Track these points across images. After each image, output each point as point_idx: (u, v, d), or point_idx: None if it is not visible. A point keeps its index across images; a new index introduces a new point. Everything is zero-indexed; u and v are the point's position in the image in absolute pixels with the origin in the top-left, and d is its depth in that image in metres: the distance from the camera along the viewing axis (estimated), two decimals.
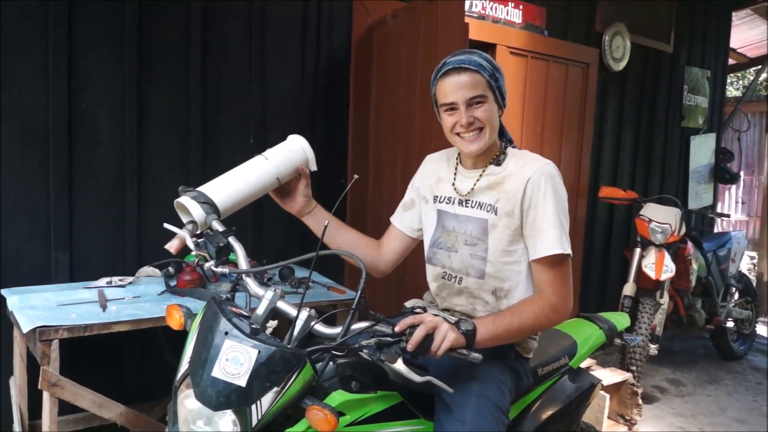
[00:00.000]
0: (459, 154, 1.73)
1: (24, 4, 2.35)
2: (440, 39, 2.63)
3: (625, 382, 3.34)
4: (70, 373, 1.96)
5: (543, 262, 1.54)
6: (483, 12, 3.66)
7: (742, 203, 7.38)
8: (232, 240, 1.50)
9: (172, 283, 2.37)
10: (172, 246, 1.56)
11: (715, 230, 6.05)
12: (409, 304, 1.86)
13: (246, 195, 1.63)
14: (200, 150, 2.79)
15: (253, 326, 1.29)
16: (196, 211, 1.51)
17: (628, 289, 3.83)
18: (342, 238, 1.80)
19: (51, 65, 2.41)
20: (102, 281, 2.38)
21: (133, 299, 2.19)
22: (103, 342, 2.13)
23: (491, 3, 3.69)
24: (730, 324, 4.70)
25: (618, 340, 2.13)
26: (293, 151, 1.72)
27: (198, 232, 1.54)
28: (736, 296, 4.77)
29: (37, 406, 1.96)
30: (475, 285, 1.64)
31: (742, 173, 6.58)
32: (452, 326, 1.38)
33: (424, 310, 1.68)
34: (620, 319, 2.16)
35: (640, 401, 3.32)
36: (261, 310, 1.37)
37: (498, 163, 1.64)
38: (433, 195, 1.75)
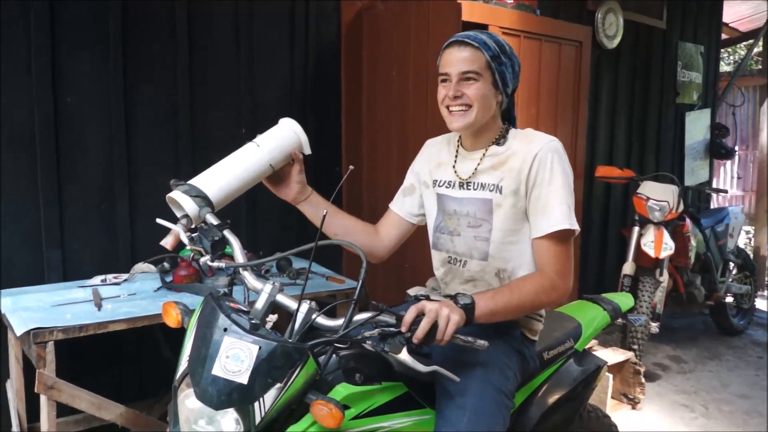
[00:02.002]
0: (460, 136, 1.69)
1: (4, 6, 2.28)
2: (433, 21, 2.58)
3: (627, 362, 3.33)
4: (67, 373, 1.93)
5: (548, 238, 1.51)
6: None
7: (738, 178, 7.36)
8: (227, 233, 1.46)
9: (168, 279, 2.33)
10: (167, 242, 1.52)
11: (712, 206, 6.04)
12: (412, 291, 1.83)
13: (239, 184, 1.58)
14: (190, 145, 2.74)
15: (253, 321, 1.26)
16: (189, 206, 1.47)
17: (628, 268, 3.81)
18: (338, 224, 1.76)
19: (34, 67, 2.36)
20: (96, 279, 2.34)
21: (128, 297, 2.15)
22: (99, 341, 2.09)
23: None
24: (729, 299, 4.69)
25: (621, 321, 2.10)
26: (285, 137, 1.66)
27: (192, 226, 1.50)
28: (735, 271, 4.77)
29: (36, 409, 1.93)
30: (478, 267, 1.61)
31: (737, 148, 6.55)
32: (451, 306, 1.35)
33: (428, 298, 1.65)
34: (624, 300, 2.13)
35: (643, 380, 3.31)
36: (260, 304, 1.34)
37: (500, 144, 1.61)
38: (432, 179, 1.72)
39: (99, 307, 2.02)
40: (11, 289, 2.24)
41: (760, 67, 6.76)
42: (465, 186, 1.63)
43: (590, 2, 4.32)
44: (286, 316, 1.35)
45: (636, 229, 3.90)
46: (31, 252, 2.41)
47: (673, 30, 5.10)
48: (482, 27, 3.57)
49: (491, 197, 1.57)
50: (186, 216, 1.50)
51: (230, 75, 2.86)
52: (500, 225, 1.56)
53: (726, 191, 4.49)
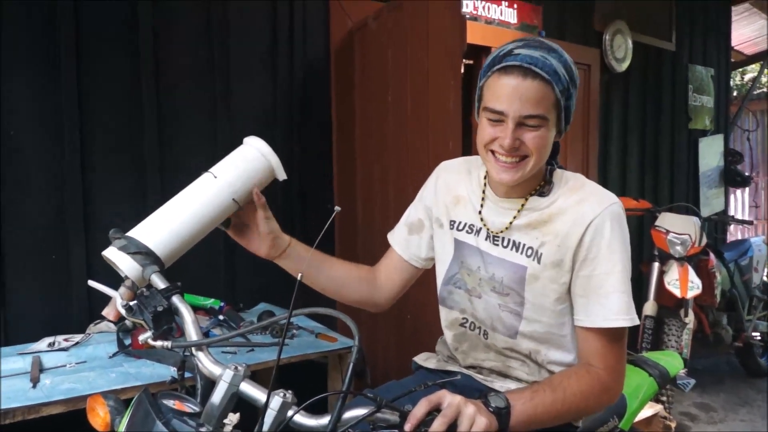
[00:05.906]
0: (487, 171, 1.35)
1: None
2: (433, 42, 2.27)
3: (656, 416, 2.97)
4: None
5: (600, 333, 1.17)
6: (475, 12, 3.34)
7: (756, 207, 7.05)
8: (176, 300, 1.11)
9: (128, 342, 1.97)
10: (109, 312, 1.18)
11: (729, 238, 5.75)
12: (420, 359, 1.49)
13: (194, 229, 1.21)
14: (158, 182, 2.40)
15: (202, 430, 0.91)
16: (127, 266, 1.13)
17: (649, 308, 3.47)
18: (326, 276, 1.41)
19: None
20: (42, 343, 1.98)
21: (76, 366, 1.80)
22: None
23: (484, 2, 3.38)
24: (756, 338, 4.36)
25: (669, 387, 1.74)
26: (250, 161, 1.28)
27: (138, 291, 1.16)
28: (761, 308, 4.43)
29: None
30: (505, 344, 1.27)
31: (753, 175, 6.28)
32: (479, 407, 1.01)
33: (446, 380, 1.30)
34: (671, 361, 1.77)
35: None
36: (217, 398, 0.98)
37: (543, 194, 1.25)
38: (449, 219, 1.37)
39: (35, 382, 1.66)
40: None
41: (766, 89, 6.56)
42: (493, 239, 1.28)
43: (597, 23, 4.08)
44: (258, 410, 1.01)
45: (656, 264, 3.59)
46: None
47: (683, 52, 4.88)
48: (484, 49, 3.32)
49: (526, 264, 1.23)
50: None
51: (204, 99, 2.54)
52: (534, 300, 1.22)
53: (752, 222, 4.20)
